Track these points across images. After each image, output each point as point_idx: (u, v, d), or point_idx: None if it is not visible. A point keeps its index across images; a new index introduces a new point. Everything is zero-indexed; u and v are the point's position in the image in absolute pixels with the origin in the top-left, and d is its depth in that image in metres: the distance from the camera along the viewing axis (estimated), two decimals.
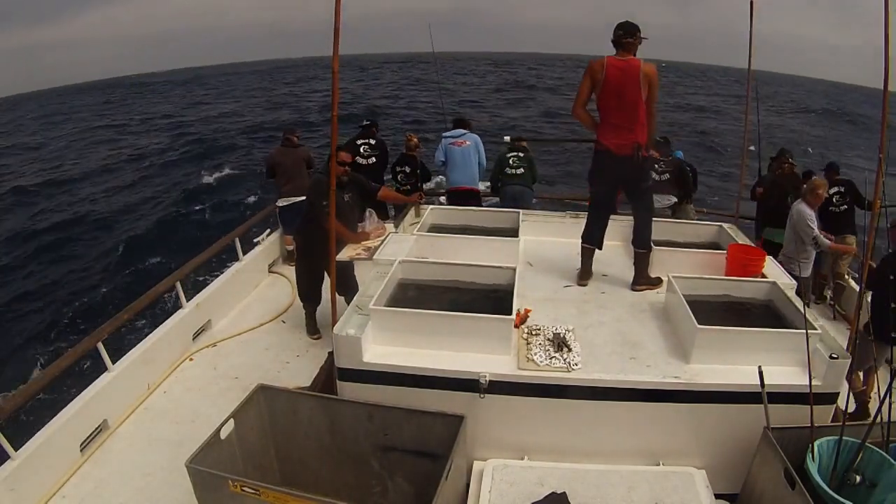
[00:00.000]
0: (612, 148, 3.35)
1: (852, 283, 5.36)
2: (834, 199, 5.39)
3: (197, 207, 13.87)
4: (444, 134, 6.35)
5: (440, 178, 7.26)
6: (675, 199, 5.74)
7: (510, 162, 6.04)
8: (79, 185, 16.97)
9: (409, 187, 6.16)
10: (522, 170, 6.03)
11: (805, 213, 4.46)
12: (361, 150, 6.10)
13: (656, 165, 5.59)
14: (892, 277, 2.97)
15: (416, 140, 6.33)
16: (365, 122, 6.45)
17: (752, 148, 6.40)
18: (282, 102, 34.20)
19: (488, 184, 6.44)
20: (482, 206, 5.97)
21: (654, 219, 3.63)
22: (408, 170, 6.22)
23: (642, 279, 3.52)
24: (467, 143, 6.13)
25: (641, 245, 3.51)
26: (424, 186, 6.40)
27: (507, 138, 4.81)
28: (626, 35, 3.27)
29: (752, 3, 5.07)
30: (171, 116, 30.63)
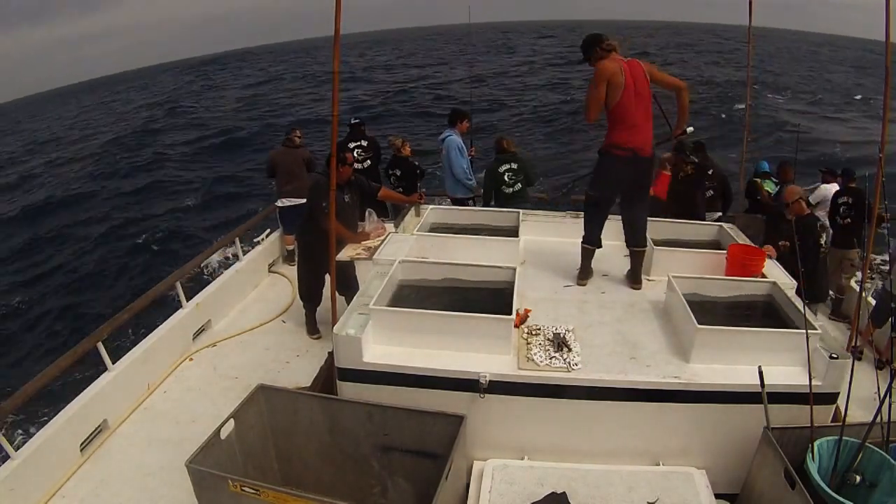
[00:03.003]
0: (637, 150, 3.28)
1: (853, 284, 5.35)
2: (841, 210, 5.01)
3: None
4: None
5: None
6: (719, 214, 5.46)
7: (505, 179, 5.46)
8: None
9: (401, 190, 5.90)
10: (519, 185, 5.50)
11: None
12: (355, 153, 5.88)
13: (705, 182, 5.29)
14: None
15: (398, 143, 6.06)
16: (353, 122, 6.22)
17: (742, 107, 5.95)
18: None
19: (468, 190, 5.96)
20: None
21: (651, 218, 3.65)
22: (399, 173, 5.99)
23: (641, 277, 3.54)
24: (443, 150, 5.89)
25: (642, 243, 3.52)
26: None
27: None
28: (609, 48, 3.30)
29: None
30: None
